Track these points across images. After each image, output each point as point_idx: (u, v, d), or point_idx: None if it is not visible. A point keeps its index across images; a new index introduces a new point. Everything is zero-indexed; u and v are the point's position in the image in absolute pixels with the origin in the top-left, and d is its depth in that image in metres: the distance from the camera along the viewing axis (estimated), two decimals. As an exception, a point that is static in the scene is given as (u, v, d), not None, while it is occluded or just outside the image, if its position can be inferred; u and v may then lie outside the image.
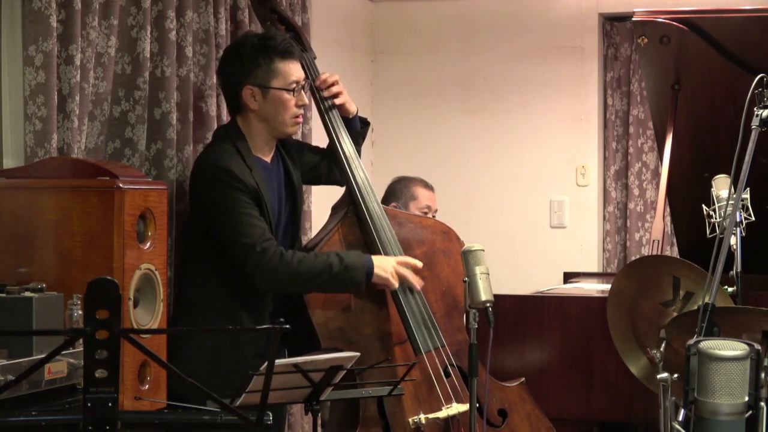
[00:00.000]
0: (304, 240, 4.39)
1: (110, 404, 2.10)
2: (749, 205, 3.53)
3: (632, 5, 5.18)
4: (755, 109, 3.23)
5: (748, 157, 3.15)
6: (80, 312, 2.86)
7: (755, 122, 3.21)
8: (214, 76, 4.07)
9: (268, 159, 3.76)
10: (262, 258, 3.53)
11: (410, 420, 3.68)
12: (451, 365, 3.82)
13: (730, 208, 3.39)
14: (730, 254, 3.28)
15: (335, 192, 4.05)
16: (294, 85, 3.69)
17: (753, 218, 3.54)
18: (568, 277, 5.55)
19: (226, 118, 4.16)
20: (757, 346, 2.77)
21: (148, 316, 3.16)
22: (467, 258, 3.50)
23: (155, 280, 3.18)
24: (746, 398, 2.74)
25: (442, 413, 3.72)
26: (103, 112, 3.59)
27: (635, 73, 6.00)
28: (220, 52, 4.09)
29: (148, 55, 3.74)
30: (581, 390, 4.36)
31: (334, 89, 3.89)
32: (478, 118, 6.07)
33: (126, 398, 3.01)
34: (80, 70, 3.41)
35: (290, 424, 4.67)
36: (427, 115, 6.11)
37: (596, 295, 4.66)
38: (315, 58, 4.00)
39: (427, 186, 4.88)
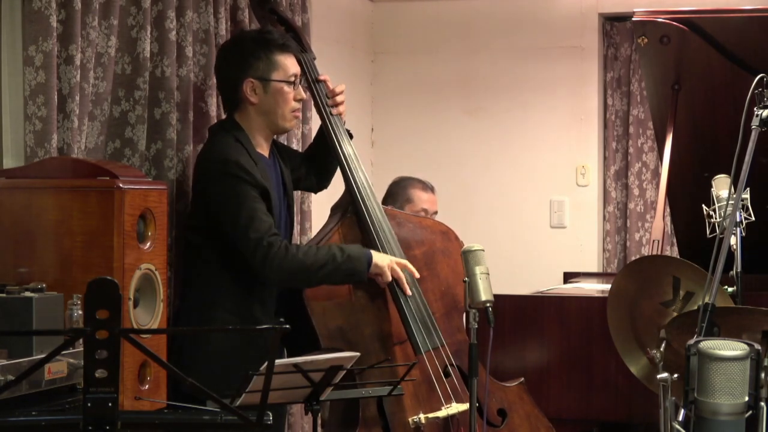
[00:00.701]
0: (304, 240, 4.40)
1: (110, 404, 2.10)
2: (749, 205, 3.53)
3: (632, 5, 5.17)
4: (755, 109, 3.23)
5: (748, 157, 3.15)
6: (80, 312, 2.86)
7: (755, 122, 3.21)
8: (215, 76, 4.06)
9: (266, 155, 3.77)
10: (269, 252, 3.54)
11: (410, 420, 3.68)
12: (451, 365, 3.82)
13: (730, 208, 3.39)
14: (730, 254, 3.28)
15: (335, 192, 4.05)
16: (293, 78, 3.72)
17: (753, 218, 3.54)
18: (568, 277, 5.55)
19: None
20: (757, 346, 2.77)
21: (148, 316, 3.16)
22: (467, 258, 3.50)
23: (155, 280, 3.18)
24: (746, 398, 2.74)
25: (442, 413, 3.72)
26: (103, 112, 3.59)
27: (635, 73, 6.00)
28: (220, 52, 4.09)
29: (148, 55, 3.74)
30: (581, 390, 4.36)
31: (340, 98, 3.92)
32: (478, 118, 6.07)
33: (126, 398, 3.00)
34: (80, 70, 3.41)
35: (290, 424, 4.67)
36: (427, 115, 6.11)
37: (596, 295, 4.65)
38: (314, 58, 4.00)
39: (426, 188, 4.85)
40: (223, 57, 3.80)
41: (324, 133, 3.93)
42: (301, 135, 4.63)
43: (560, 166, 5.98)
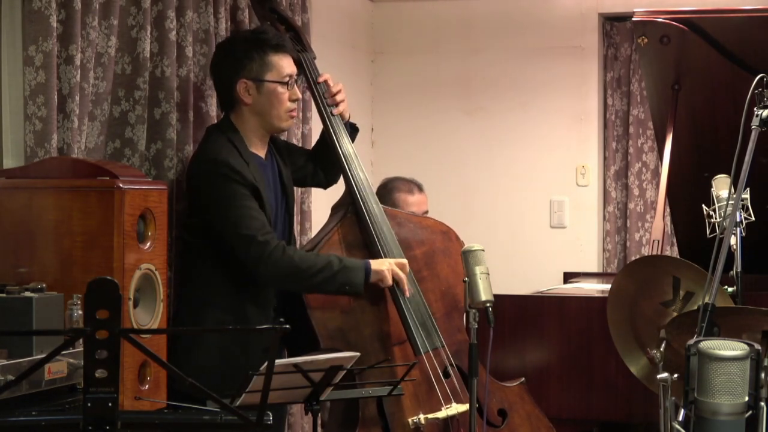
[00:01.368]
0: (304, 240, 4.40)
1: (110, 404, 2.10)
2: (749, 205, 3.53)
3: (632, 5, 5.18)
4: (755, 109, 3.23)
5: (748, 157, 3.15)
6: (80, 312, 2.86)
7: (755, 122, 3.21)
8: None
9: (262, 155, 3.77)
10: (264, 249, 3.54)
11: (409, 420, 3.68)
12: (451, 365, 3.82)
13: (730, 208, 3.39)
14: (730, 254, 3.28)
15: (335, 192, 4.05)
16: (288, 79, 3.71)
17: (753, 218, 3.54)
18: (568, 277, 5.55)
19: (225, 118, 4.17)
20: (757, 346, 2.77)
21: (148, 316, 3.16)
22: (467, 258, 3.50)
23: (155, 280, 3.18)
24: (746, 398, 2.74)
25: (442, 413, 3.72)
26: (103, 112, 3.59)
27: (635, 73, 6.00)
28: (220, 52, 4.09)
29: (148, 55, 3.74)
30: (581, 390, 4.36)
31: (339, 97, 3.90)
32: (478, 118, 6.07)
33: (126, 398, 3.00)
34: (80, 70, 3.41)
35: (290, 424, 4.67)
36: (427, 115, 6.11)
37: (596, 295, 4.66)
38: (315, 58, 4.00)
39: (412, 189, 4.74)
40: (218, 57, 3.81)
41: (336, 160, 3.90)
42: (301, 135, 4.63)
43: (560, 166, 5.98)
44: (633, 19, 4.66)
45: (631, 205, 6.04)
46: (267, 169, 3.76)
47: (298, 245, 4.06)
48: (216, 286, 3.65)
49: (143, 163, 3.75)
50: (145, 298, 3.16)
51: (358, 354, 3.18)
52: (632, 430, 4.61)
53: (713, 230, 3.57)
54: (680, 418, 2.91)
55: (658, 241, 4.43)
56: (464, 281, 3.48)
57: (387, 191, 4.73)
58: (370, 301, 3.76)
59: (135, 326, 3.06)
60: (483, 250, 3.52)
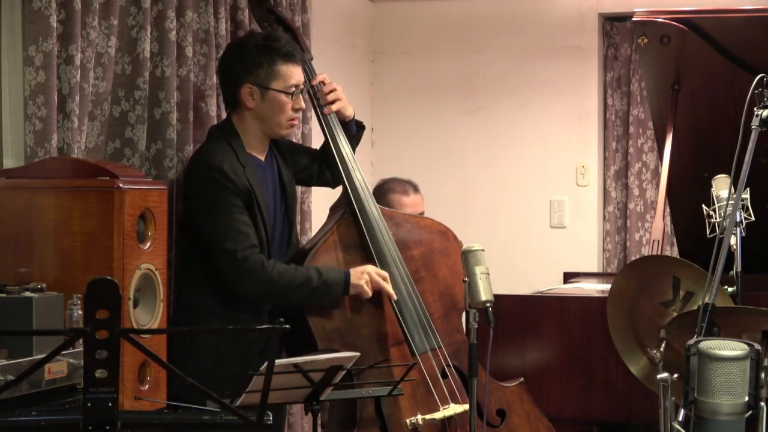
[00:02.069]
0: (304, 240, 4.40)
1: (110, 404, 2.10)
2: (749, 205, 3.53)
3: (632, 5, 5.17)
4: (755, 109, 3.23)
5: (748, 157, 3.15)
6: (80, 312, 2.87)
7: (755, 122, 3.21)
8: (214, 76, 4.07)
9: (261, 157, 3.77)
10: (242, 266, 3.55)
11: (407, 421, 3.68)
12: (448, 366, 3.81)
13: (730, 208, 3.39)
14: (730, 254, 3.28)
15: (335, 192, 4.05)
16: (293, 89, 3.70)
17: (753, 218, 3.54)
18: (568, 277, 5.55)
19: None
20: (757, 346, 2.77)
21: (148, 316, 3.16)
22: (467, 258, 3.49)
23: (155, 280, 3.18)
24: (746, 398, 2.74)
25: (439, 414, 3.71)
26: (103, 112, 3.59)
27: (635, 73, 6.00)
28: (220, 52, 4.09)
29: (148, 55, 3.74)
30: (581, 390, 4.36)
31: (331, 96, 3.89)
32: (478, 118, 6.07)
33: (126, 398, 3.01)
34: (80, 70, 3.41)
35: (290, 424, 4.67)
36: (427, 115, 6.11)
37: (596, 295, 4.65)
38: (312, 59, 4.00)
39: (407, 190, 4.72)
40: (227, 57, 3.80)
41: (334, 161, 3.89)
42: (300, 135, 4.63)
43: (560, 166, 5.97)
44: (633, 19, 4.66)
45: (631, 205, 6.04)
46: (266, 171, 3.76)
47: (297, 241, 4.05)
48: (210, 293, 3.65)
49: (143, 163, 3.75)
50: (145, 298, 3.16)
51: (357, 354, 3.19)
52: (632, 430, 4.61)
53: (713, 230, 3.57)
54: (680, 418, 2.92)
55: (658, 241, 4.42)
56: (464, 281, 3.47)
57: (382, 192, 4.70)
58: (367, 302, 3.75)
59: (135, 326, 3.06)
60: (483, 250, 3.51)
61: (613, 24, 6.05)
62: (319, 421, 3.26)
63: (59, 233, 3.10)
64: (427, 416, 3.69)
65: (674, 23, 4.55)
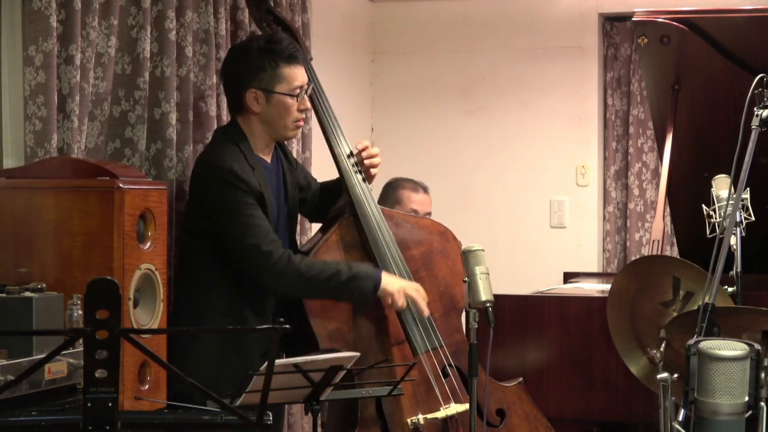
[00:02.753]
0: (304, 240, 4.40)
1: (110, 404, 2.10)
2: (749, 205, 3.53)
3: (632, 5, 5.17)
4: (755, 109, 3.23)
5: (748, 157, 3.15)
6: (80, 312, 2.86)
7: (755, 122, 3.21)
8: (214, 76, 4.07)
9: (268, 159, 3.76)
10: (269, 259, 3.53)
11: (408, 420, 3.68)
12: (450, 366, 3.82)
13: (730, 208, 3.39)
14: (730, 254, 3.28)
15: (335, 192, 4.04)
16: (298, 91, 3.69)
17: (753, 218, 3.54)
18: (568, 277, 5.55)
19: (226, 118, 4.16)
20: (757, 346, 2.77)
21: (148, 316, 3.16)
22: (467, 258, 3.49)
23: (155, 280, 3.18)
24: (746, 398, 2.74)
25: (441, 414, 3.72)
26: (103, 112, 3.59)
27: (635, 73, 6.00)
28: (220, 52, 4.10)
29: (148, 55, 3.74)
30: (581, 390, 4.36)
31: (375, 170, 3.90)
32: (478, 118, 6.07)
33: (126, 398, 3.01)
34: (80, 70, 3.41)
35: (290, 424, 4.67)
36: (427, 115, 6.11)
37: (596, 295, 4.65)
38: (311, 59, 4.00)
39: (417, 188, 4.77)
40: (230, 63, 3.77)
41: (342, 182, 3.87)
42: (301, 135, 4.63)
43: (560, 166, 5.98)
44: (633, 19, 4.66)
45: (631, 205, 6.04)
46: (271, 173, 3.76)
47: (298, 246, 4.05)
48: (215, 290, 3.64)
49: (143, 163, 3.75)
50: (145, 298, 3.16)
51: (358, 354, 3.18)
52: (632, 430, 4.61)
53: (713, 230, 3.57)
54: (680, 418, 2.92)
55: (658, 241, 4.42)
56: (464, 281, 3.47)
57: (392, 188, 4.76)
58: (368, 301, 3.76)
59: (135, 326, 3.06)
60: (483, 250, 3.51)
61: (613, 24, 6.05)
62: (319, 421, 3.26)
63: (59, 233, 3.10)
64: (429, 416, 3.69)
65: (674, 23, 4.55)
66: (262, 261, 3.54)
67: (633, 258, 5.86)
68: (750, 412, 2.76)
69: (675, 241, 5.32)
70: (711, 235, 3.52)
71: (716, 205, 3.64)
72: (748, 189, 3.43)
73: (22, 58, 3.33)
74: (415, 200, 4.72)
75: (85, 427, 2.10)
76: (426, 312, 3.73)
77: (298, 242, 4.28)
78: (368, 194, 3.85)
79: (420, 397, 3.74)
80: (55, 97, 3.34)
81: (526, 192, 6.02)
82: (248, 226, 3.55)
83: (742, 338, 2.88)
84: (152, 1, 3.77)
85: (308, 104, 3.77)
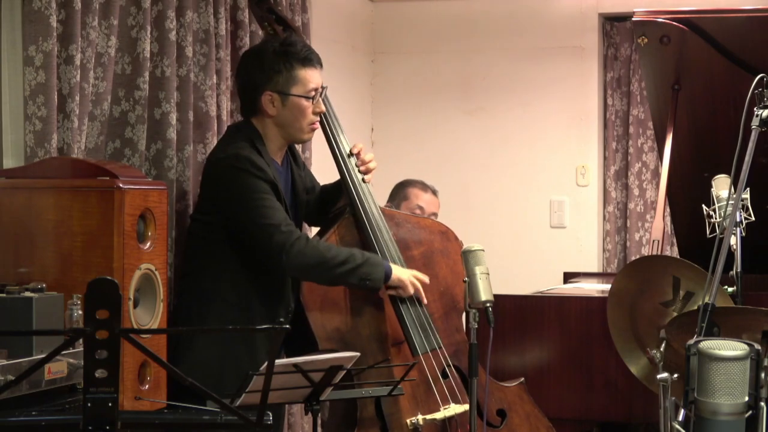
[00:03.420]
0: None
1: (110, 404, 2.10)
2: (749, 205, 3.53)
3: (632, 5, 5.17)
4: (755, 109, 3.23)
5: (748, 157, 3.15)
6: (80, 312, 2.86)
7: (755, 122, 3.21)
8: (215, 76, 4.07)
9: (279, 161, 3.76)
10: (289, 238, 3.53)
11: (408, 421, 3.68)
12: (449, 366, 3.82)
13: (730, 208, 3.39)
14: (730, 254, 3.28)
15: (335, 192, 4.04)
16: (313, 93, 3.69)
17: (753, 218, 3.54)
18: (568, 277, 5.55)
19: (226, 118, 4.17)
20: (757, 346, 2.77)
21: (148, 316, 3.16)
22: (467, 258, 3.49)
23: (155, 280, 3.18)
24: (746, 398, 2.74)
25: (440, 414, 3.71)
26: (103, 112, 3.59)
27: (635, 73, 6.00)
28: (220, 52, 4.10)
29: (148, 55, 3.74)
30: (581, 390, 4.36)
31: (372, 165, 3.91)
32: (478, 118, 6.07)
33: (126, 398, 3.01)
34: (80, 70, 3.41)
35: (290, 424, 4.67)
36: (427, 115, 6.11)
37: (596, 295, 4.65)
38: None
39: (426, 188, 4.81)
40: (245, 66, 3.76)
41: (342, 182, 3.89)
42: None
43: (560, 166, 5.98)
44: (633, 19, 4.66)
45: (631, 205, 6.04)
46: (282, 175, 3.76)
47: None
48: (224, 281, 3.63)
49: (143, 163, 3.75)
50: (145, 298, 3.16)
51: (357, 354, 3.18)
52: (632, 430, 4.61)
53: (713, 230, 3.57)
54: (680, 418, 2.92)
55: (658, 241, 4.42)
56: (464, 281, 3.48)
57: (402, 186, 4.82)
58: (367, 302, 3.76)
59: (135, 326, 3.06)
60: (483, 250, 3.52)
61: (613, 24, 6.05)
62: (319, 421, 3.26)
63: (59, 233, 3.10)
64: (428, 416, 3.69)
65: (674, 23, 4.55)
66: (282, 239, 3.52)
67: (633, 258, 5.86)
68: (750, 412, 2.75)
69: (675, 241, 5.32)
70: (711, 235, 3.52)
71: (716, 205, 3.64)
72: (748, 189, 3.43)
73: (22, 58, 3.33)
74: (422, 198, 4.76)
75: (85, 427, 2.10)
76: (425, 300, 3.76)
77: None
78: (369, 194, 3.85)
79: (419, 398, 3.74)
80: (55, 97, 3.34)
81: (526, 192, 6.02)
82: (267, 208, 3.54)
83: (742, 338, 2.87)
84: (152, 1, 3.77)
85: (323, 107, 3.76)
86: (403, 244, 3.89)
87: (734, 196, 3.28)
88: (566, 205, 5.98)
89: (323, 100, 3.89)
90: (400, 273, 3.71)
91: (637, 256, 5.80)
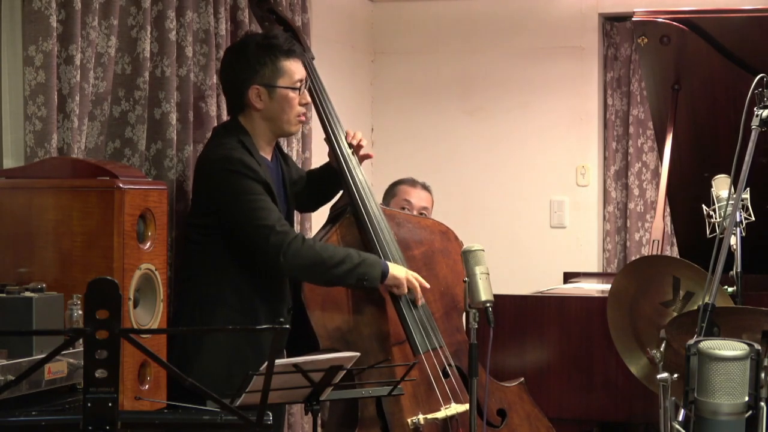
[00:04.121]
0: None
1: (110, 404, 2.10)
2: (749, 205, 3.53)
3: (632, 5, 5.18)
4: (755, 109, 3.23)
5: (748, 157, 3.15)
6: (80, 312, 2.86)
7: (755, 122, 3.21)
8: (214, 76, 4.07)
9: (269, 157, 3.76)
10: (285, 239, 3.52)
11: (409, 420, 3.68)
12: (450, 365, 3.82)
13: (730, 208, 3.39)
14: (730, 254, 3.28)
15: (335, 192, 4.04)
16: (299, 84, 3.70)
17: (753, 218, 3.54)
18: (568, 277, 5.55)
19: (225, 118, 4.16)
20: (757, 346, 2.77)
21: (148, 316, 3.16)
22: (467, 258, 3.50)
23: (155, 280, 3.18)
24: (746, 398, 2.74)
25: (441, 414, 3.72)
26: (103, 112, 3.59)
27: (635, 73, 6.00)
28: (220, 52, 4.09)
29: (148, 55, 3.74)
30: (581, 390, 4.36)
31: (364, 150, 3.92)
32: (478, 118, 6.07)
33: (126, 398, 3.01)
34: (80, 70, 3.41)
35: (290, 424, 4.67)
36: (427, 115, 6.11)
37: (596, 295, 4.66)
38: (313, 58, 4.00)
39: (415, 184, 4.75)
40: (228, 62, 3.77)
41: (335, 161, 3.89)
42: (301, 135, 4.63)
43: (560, 166, 5.98)
44: (633, 19, 4.66)
45: (631, 205, 6.04)
46: (274, 172, 3.75)
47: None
48: (225, 285, 3.62)
49: (143, 163, 3.75)
50: (145, 298, 3.16)
51: (358, 354, 3.18)
52: (632, 430, 4.61)
53: (713, 230, 3.58)
54: (680, 418, 2.92)
55: (658, 241, 4.43)
56: (464, 281, 3.48)
57: (392, 185, 4.78)
58: (368, 301, 3.76)
59: (135, 326, 3.06)
60: (483, 250, 3.52)
61: (613, 24, 6.05)
62: (319, 421, 3.26)
63: (59, 233, 3.10)
64: (429, 416, 3.69)
65: (674, 23, 4.56)
66: (278, 240, 3.52)
67: (633, 258, 5.86)
68: (750, 412, 2.76)
69: (675, 241, 5.32)
70: (711, 235, 3.52)
71: (716, 205, 3.64)
72: (748, 189, 3.43)
73: (22, 58, 3.33)
74: (409, 194, 4.70)
75: (85, 427, 2.10)
76: (420, 302, 3.75)
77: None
78: (369, 194, 3.85)
79: (420, 397, 3.74)
80: (55, 97, 3.33)
81: (526, 192, 6.02)
82: (261, 209, 3.54)
83: (742, 338, 2.87)
84: (152, 1, 3.77)
85: (308, 98, 3.78)
86: (404, 243, 3.89)
87: (734, 196, 3.28)
88: (566, 205, 5.99)
89: (324, 98, 3.90)
90: (397, 271, 3.70)
91: (637, 256, 5.80)
